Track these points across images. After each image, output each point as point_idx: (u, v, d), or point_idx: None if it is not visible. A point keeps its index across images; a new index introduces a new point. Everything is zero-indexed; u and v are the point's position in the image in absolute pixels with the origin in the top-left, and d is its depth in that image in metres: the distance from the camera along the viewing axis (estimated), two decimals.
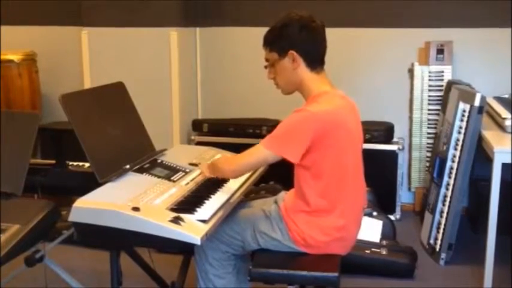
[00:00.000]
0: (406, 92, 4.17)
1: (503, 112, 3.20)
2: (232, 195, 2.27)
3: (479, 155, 3.23)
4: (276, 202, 2.33)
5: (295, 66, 2.18)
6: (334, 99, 2.17)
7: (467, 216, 3.97)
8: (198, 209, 2.04)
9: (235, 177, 2.32)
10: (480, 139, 3.16)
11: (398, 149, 3.97)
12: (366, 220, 3.36)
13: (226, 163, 2.29)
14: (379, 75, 4.21)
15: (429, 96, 4.06)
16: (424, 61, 4.05)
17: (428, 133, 4.09)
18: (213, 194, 2.21)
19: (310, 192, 2.16)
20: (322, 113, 2.08)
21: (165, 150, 2.63)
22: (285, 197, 2.33)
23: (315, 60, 2.20)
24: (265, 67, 2.27)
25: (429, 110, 4.07)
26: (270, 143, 2.11)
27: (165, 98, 4.15)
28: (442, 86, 4.00)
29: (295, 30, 2.16)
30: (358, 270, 3.12)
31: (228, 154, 2.76)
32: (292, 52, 2.16)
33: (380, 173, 3.88)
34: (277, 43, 2.19)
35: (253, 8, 4.28)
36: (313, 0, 3.60)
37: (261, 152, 2.12)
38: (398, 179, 3.99)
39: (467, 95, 3.28)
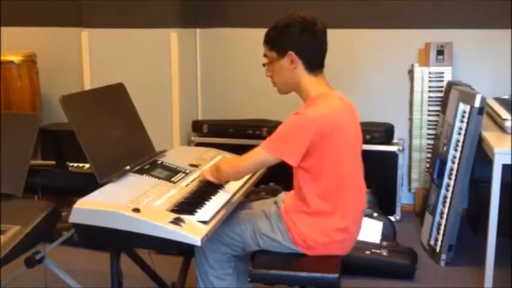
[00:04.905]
0: (406, 93, 4.17)
1: (503, 113, 3.20)
2: (233, 196, 2.27)
3: (480, 156, 3.23)
4: (275, 203, 2.33)
5: (293, 67, 2.17)
6: (332, 102, 2.17)
7: (467, 217, 3.97)
8: (198, 210, 2.03)
9: (237, 179, 2.34)
10: (480, 140, 3.16)
11: (399, 150, 3.97)
12: (366, 221, 3.35)
13: (228, 166, 2.29)
14: (379, 76, 4.21)
15: (429, 97, 4.06)
16: (424, 62, 4.04)
17: (429, 134, 4.09)
18: (213, 195, 2.21)
19: (310, 193, 2.16)
20: (319, 117, 2.08)
21: (165, 151, 2.63)
22: (285, 198, 2.33)
23: (314, 63, 2.19)
24: (264, 65, 2.26)
25: (429, 111, 4.07)
26: (270, 146, 2.11)
27: (165, 99, 4.15)
28: (442, 87, 3.99)
29: (297, 31, 2.15)
30: (358, 271, 3.12)
31: (229, 155, 2.76)
32: (291, 53, 2.15)
33: (380, 174, 3.88)
34: (277, 42, 2.18)
35: (253, 9, 4.28)
36: (313, 1, 3.61)
37: (261, 155, 2.13)
38: (399, 180, 3.99)
39: (468, 96, 3.28)
